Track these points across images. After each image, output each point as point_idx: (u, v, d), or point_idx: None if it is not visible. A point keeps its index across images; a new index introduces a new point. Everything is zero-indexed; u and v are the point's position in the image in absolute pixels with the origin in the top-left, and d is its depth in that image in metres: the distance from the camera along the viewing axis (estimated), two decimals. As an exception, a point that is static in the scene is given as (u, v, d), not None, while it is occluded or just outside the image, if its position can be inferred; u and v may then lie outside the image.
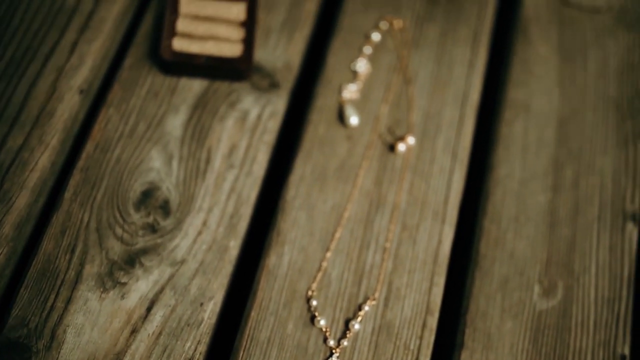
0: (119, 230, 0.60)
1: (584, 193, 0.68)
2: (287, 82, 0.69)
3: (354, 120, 0.67)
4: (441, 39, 0.73)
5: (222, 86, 0.67)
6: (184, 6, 0.67)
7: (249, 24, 0.67)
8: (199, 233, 0.61)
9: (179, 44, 0.66)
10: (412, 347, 0.59)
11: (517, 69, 0.73)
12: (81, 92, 0.66)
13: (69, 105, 0.65)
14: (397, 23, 0.73)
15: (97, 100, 0.67)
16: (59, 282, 0.58)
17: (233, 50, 0.66)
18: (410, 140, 0.67)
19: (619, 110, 0.72)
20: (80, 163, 0.63)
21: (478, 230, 0.65)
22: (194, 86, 0.67)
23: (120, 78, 0.67)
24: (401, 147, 0.66)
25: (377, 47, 0.72)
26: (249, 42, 0.67)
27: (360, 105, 0.68)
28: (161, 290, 0.58)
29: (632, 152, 0.70)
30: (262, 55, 0.69)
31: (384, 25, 0.73)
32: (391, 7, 0.74)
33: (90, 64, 0.67)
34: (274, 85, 0.68)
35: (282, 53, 0.70)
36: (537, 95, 0.72)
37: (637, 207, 0.67)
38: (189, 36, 0.66)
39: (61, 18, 0.68)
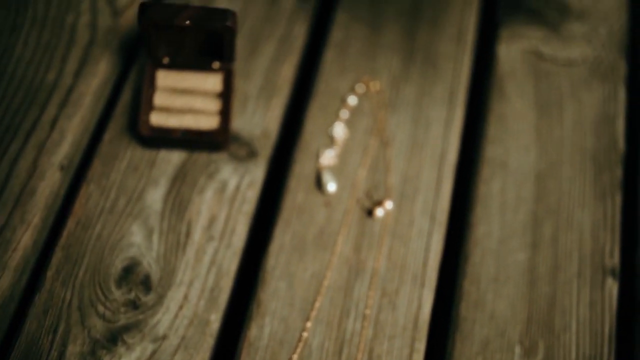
0: (100, 308, 0.61)
1: (563, 249, 0.68)
2: (265, 149, 0.70)
3: (331, 187, 0.67)
4: (417, 99, 0.74)
5: (201, 157, 0.68)
6: (161, 79, 0.68)
7: (226, 95, 0.68)
8: (180, 307, 0.62)
9: (156, 119, 0.67)
10: (393, 416, 0.60)
11: (493, 125, 0.74)
12: (62, 168, 0.67)
13: (50, 182, 0.66)
14: (374, 85, 0.74)
15: (77, 176, 0.68)
16: (42, 364, 0.59)
17: (210, 122, 0.67)
18: (388, 204, 0.67)
19: (596, 162, 0.73)
20: (62, 241, 0.64)
21: (458, 292, 0.65)
22: (173, 158, 0.68)
23: (100, 153, 0.68)
24: (379, 212, 0.67)
25: (354, 111, 0.72)
26: (225, 113, 0.68)
27: (338, 170, 0.69)
28: (143, 368, 0.59)
29: (610, 205, 0.71)
30: (240, 123, 0.70)
31: (360, 87, 0.73)
32: (367, 69, 0.75)
33: (71, 139, 0.68)
34: (252, 154, 0.69)
35: (260, 120, 0.71)
36: (514, 152, 0.72)
37: (616, 262, 0.68)
38: (166, 110, 0.67)
39: (41, 94, 0.69)
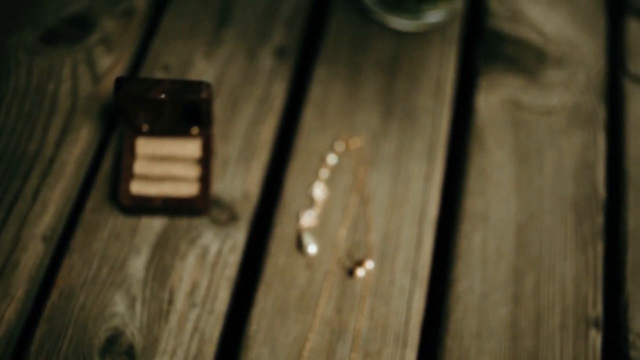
0: (84, 381, 0.62)
1: (546, 301, 0.68)
2: (246, 213, 0.70)
3: (312, 249, 0.68)
4: (397, 155, 0.74)
5: (182, 223, 0.69)
6: (141, 147, 0.69)
7: (205, 160, 0.69)
8: (164, 377, 0.62)
9: (136, 187, 0.67)
10: None
11: (473, 178, 0.74)
12: (45, 239, 0.67)
13: (33, 254, 0.67)
14: (353, 142, 0.74)
15: (60, 246, 0.68)
16: None
17: (190, 189, 0.68)
18: (369, 264, 0.68)
19: (577, 211, 0.73)
20: (46, 313, 0.64)
21: (440, 350, 0.66)
22: (155, 225, 0.69)
23: (83, 222, 0.68)
24: (360, 272, 0.67)
25: (334, 169, 0.73)
26: (205, 180, 0.68)
27: (319, 231, 0.70)
28: None
29: (592, 255, 0.71)
30: (221, 187, 0.71)
31: (339, 145, 0.74)
32: (346, 125, 0.75)
33: (53, 209, 0.69)
34: (233, 218, 0.70)
35: (241, 183, 0.71)
36: (495, 204, 0.73)
37: (599, 312, 0.68)
38: (146, 178, 0.68)
39: (24, 165, 0.70)
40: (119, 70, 0.76)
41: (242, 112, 0.75)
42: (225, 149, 0.73)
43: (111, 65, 0.76)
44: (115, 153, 0.72)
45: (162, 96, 0.62)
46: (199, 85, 0.62)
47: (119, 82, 0.62)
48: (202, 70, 0.76)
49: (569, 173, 0.75)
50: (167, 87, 0.62)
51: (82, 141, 0.72)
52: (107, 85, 0.75)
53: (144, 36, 0.79)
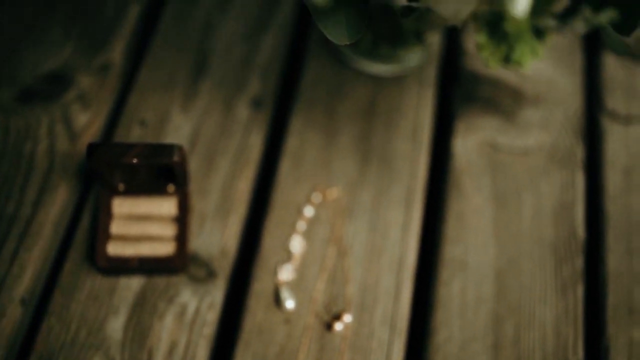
0: None
1: (526, 348, 0.68)
2: (224, 269, 0.70)
3: (289, 304, 0.68)
4: (374, 203, 0.74)
5: (160, 281, 0.69)
6: (117, 207, 0.69)
7: (181, 219, 0.69)
8: None
9: (113, 248, 0.68)
10: None
11: (452, 224, 0.74)
12: (23, 302, 0.68)
13: (11, 318, 0.67)
14: (330, 193, 0.74)
15: (38, 308, 0.68)
16: None
17: (167, 248, 0.68)
18: (347, 318, 0.68)
19: (556, 253, 0.73)
20: (25, 379, 0.65)
21: (421, 403, 0.66)
22: (133, 284, 0.69)
23: (61, 284, 0.69)
24: (338, 326, 0.68)
25: (311, 221, 0.73)
26: (181, 238, 0.69)
27: (297, 284, 0.70)
28: None
29: (572, 298, 0.71)
30: (198, 243, 0.71)
31: (316, 197, 0.74)
32: (324, 175, 0.75)
33: (31, 271, 0.69)
34: (211, 274, 0.70)
35: (218, 239, 0.71)
36: (473, 250, 0.73)
37: (580, 357, 0.68)
38: (123, 238, 0.68)
39: (1, 227, 0.70)
40: (96, 128, 0.76)
41: (219, 165, 0.75)
42: (202, 204, 0.73)
43: (88, 122, 0.76)
44: (93, 211, 0.72)
45: (135, 160, 0.62)
46: (171, 148, 0.63)
47: (91, 148, 0.63)
48: (179, 125, 0.77)
49: (548, 215, 0.75)
50: (139, 151, 0.62)
51: (59, 201, 0.72)
52: (84, 143, 0.75)
53: (121, 91, 0.80)
